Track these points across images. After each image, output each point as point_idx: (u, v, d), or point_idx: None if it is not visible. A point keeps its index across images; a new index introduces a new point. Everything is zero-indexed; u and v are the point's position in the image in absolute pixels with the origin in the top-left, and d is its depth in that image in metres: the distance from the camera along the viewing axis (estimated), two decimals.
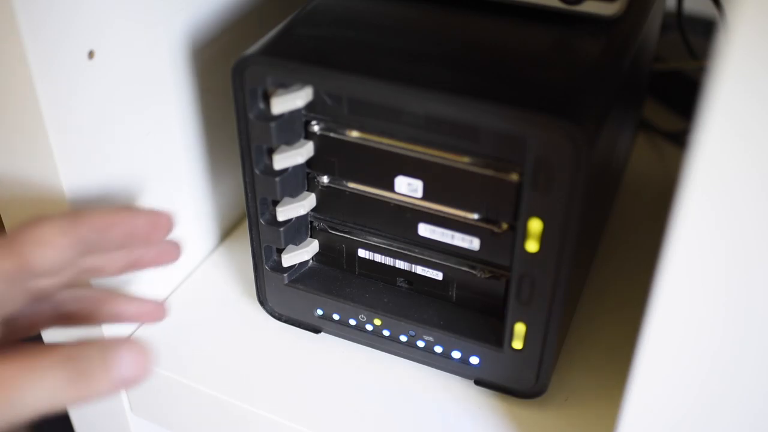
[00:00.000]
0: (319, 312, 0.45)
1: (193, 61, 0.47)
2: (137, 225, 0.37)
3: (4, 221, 0.43)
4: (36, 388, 0.30)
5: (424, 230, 0.41)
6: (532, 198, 0.36)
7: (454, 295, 0.43)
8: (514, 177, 0.36)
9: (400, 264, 0.43)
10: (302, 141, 0.40)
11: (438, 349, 0.43)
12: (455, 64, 0.38)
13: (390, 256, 0.43)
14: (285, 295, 0.46)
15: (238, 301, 0.50)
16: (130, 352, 0.32)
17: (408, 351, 0.44)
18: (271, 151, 0.40)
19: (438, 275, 0.43)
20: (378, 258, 0.44)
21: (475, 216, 0.39)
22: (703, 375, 0.30)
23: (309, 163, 0.41)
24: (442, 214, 0.40)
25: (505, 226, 0.38)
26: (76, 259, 0.35)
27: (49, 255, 0.33)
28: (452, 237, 0.40)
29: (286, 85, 0.38)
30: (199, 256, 0.53)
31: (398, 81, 0.36)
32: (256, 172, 0.41)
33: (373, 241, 0.43)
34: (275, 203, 0.42)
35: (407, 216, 0.41)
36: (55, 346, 0.31)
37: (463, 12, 0.41)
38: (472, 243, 0.40)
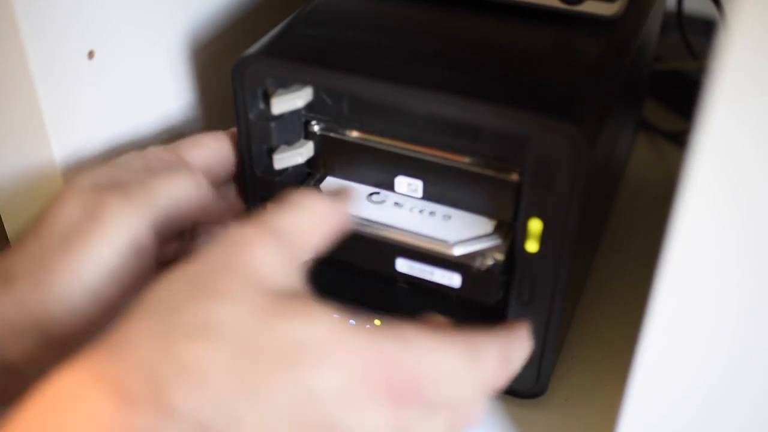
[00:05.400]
0: None
1: (193, 61, 0.47)
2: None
3: (4, 220, 0.43)
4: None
5: (402, 266, 0.39)
6: (532, 198, 0.35)
7: (454, 296, 0.43)
8: (514, 177, 0.36)
9: None
10: (302, 141, 0.40)
11: None
12: (455, 64, 0.38)
13: None
14: None
15: None
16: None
17: None
18: (271, 151, 0.40)
19: None
20: None
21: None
22: (703, 375, 0.30)
23: (309, 163, 0.41)
24: (420, 250, 0.38)
25: (488, 263, 0.37)
26: (226, 166, 0.41)
27: (201, 153, 0.40)
28: (432, 273, 0.39)
29: (286, 85, 0.38)
30: None
31: (398, 81, 0.36)
32: (256, 172, 0.41)
33: None
34: None
35: (384, 251, 0.39)
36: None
37: (464, 12, 0.41)
38: (452, 280, 0.38)
